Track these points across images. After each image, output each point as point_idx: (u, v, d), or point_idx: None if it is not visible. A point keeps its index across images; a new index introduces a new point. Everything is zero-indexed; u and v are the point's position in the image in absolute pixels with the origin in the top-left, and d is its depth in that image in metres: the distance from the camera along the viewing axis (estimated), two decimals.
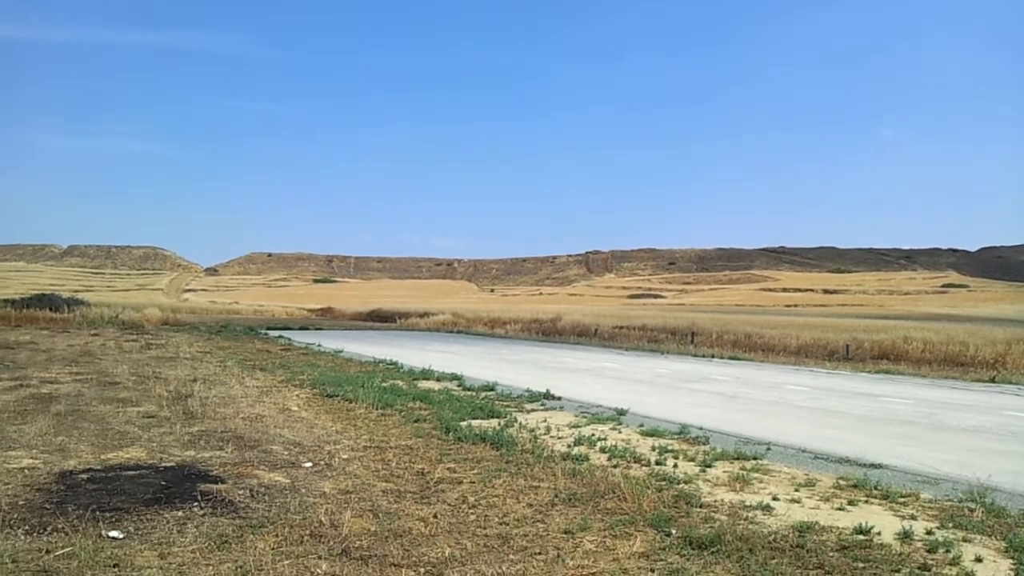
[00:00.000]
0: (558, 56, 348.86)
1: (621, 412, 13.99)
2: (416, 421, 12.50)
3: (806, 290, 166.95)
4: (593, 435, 11.41)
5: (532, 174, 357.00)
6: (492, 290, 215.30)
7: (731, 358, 30.50)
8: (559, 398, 16.14)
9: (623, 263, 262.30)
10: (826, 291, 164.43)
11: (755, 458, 10.02)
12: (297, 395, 15.93)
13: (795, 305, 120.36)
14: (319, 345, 32.79)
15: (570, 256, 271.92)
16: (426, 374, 20.70)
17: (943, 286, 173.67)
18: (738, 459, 10.00)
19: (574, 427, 12.37)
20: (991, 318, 69.63)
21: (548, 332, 47.82)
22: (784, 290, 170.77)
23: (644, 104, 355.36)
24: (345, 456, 9.75)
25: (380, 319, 70.20)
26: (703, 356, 31.53)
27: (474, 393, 16.68)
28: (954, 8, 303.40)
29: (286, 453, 9.82)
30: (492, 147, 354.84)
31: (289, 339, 36.98)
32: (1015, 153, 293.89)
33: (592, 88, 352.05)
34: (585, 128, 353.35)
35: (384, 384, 17.70)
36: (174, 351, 27.39)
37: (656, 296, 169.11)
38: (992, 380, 22.83)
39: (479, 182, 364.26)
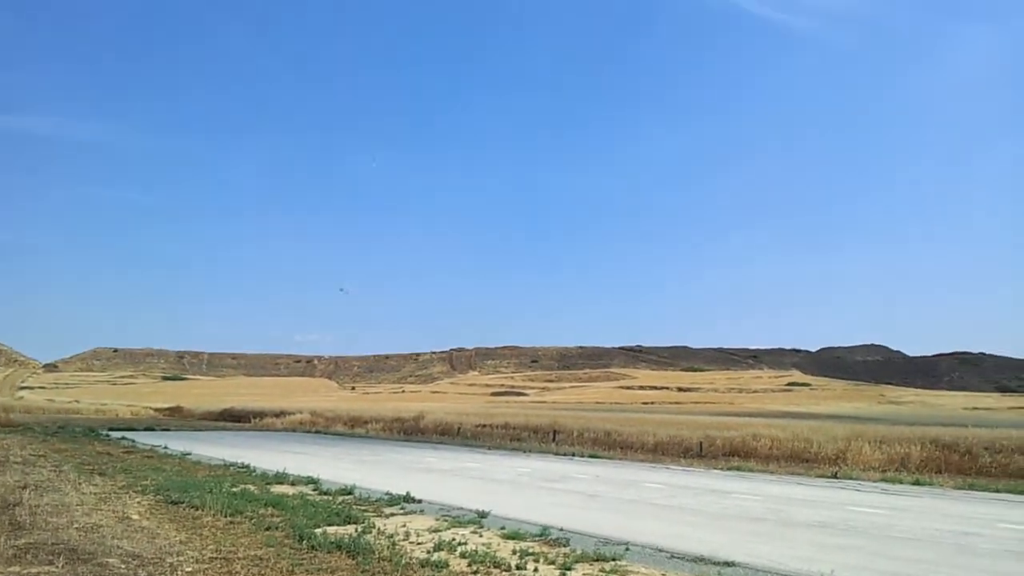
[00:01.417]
0: (416, 152, 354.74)
1: (483, 514, 13.79)
2: (268, 529, 11.87)
3: (662, 388, 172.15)
4: (454, 539, 11.16)
5: (397, 270, 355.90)
6: (353, 388, 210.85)
7: (591, 456, 30.84)
8: (420, 501, 15.77)
9: (487, 360, 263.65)
10: (680, 389, 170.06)
11: (614, 559, 10.04)
12: (139, 502, 14.88)
13: (651, 403, 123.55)
14: (165, 447, 30.98)
15: (434, 353, 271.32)
16: (280, 478, 19.85)
17: (788, 384, 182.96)
18: (598, 560, 9.99)
19: (434, 531, 12.08)
20: (832, 415, 73.71)
21: (410, 431, 47.08)
22: (641, 388, 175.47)
23: (508, 203, 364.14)
24: (189, 569, 9.12)
25: (233, 419, 67.42)
26: (565, 454, 31.74)
27: (331, 497, 16.07)
28: (798, 127, 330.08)
29: (124, 567, 9.08)
30: (357, 240, 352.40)
31: (133, 441, 34.78)
32: (853, 261, 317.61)
33: (455, 186, 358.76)
34: (449, 225, 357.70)
35: (234, 489, 16.82)
36: (3, 455, 25.17)
37: (519, 394, 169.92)
38: (834, 476, 24.00)
39: (343, 276, 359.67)
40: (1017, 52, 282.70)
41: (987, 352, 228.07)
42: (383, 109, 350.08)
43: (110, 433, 40.85)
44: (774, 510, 15.65)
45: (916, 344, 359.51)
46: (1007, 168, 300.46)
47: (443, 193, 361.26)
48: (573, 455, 31.40)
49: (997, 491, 20.48)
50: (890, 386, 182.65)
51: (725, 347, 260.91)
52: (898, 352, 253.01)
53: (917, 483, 22.14)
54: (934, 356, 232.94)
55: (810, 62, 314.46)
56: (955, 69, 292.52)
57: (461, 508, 14.78)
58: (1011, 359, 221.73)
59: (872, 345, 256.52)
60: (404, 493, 16.28)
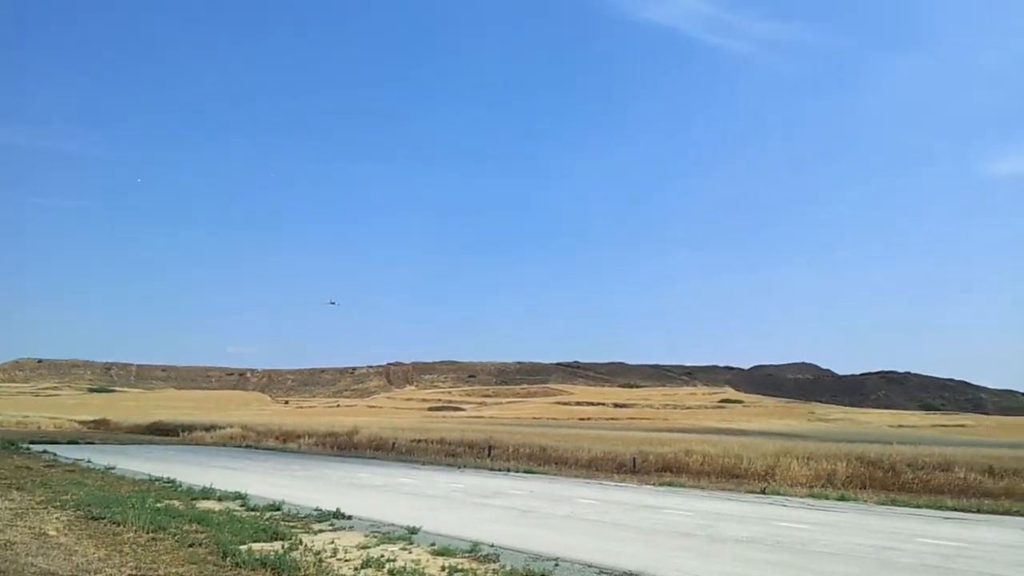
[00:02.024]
0: (355, 164, 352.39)
1: (413, 531, 13.64)
2: (191, 546, 11.56)
3: (598, 404, 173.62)
4: (382, 556, 11.01)
5: (334, 282, 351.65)
6: (287, 402, 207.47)
7: (526, 471, 30.83)
8: (350, 517, 15.53)
9: (425, 375, 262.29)
10: (616, 405, 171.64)
11: (543, 575, 10.02)
12: (58, 517, 14.36)
13: (588, 418, 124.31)
14: (88, 461, 29.97)
15: (371, 367, 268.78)
16: (207, 493, 19.38)
17: (721, 401, 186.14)
18: None
19: (363, 548, 11.90)
20: (762, 432, 75.01)
21: (344, 446, 46.45)
22: (578, 403, 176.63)
23: (448, 218, 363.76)
24: None
25: (162, 432, 65.70)
26: (500, 470, 31.66)
27: (258, 513, 15.74)
28: (735, 149, 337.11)
29: None
30: (293, 250, 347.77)
31: (55, 454, 33.57)
32: (786, 281, 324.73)
33: (396, 199, 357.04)
34: (391, 238, 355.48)
35: (158, 505, 16.34)
36: None
37: (456, 408, 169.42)
38: (763, 491, 24.40)
39: (277, 287, 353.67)
40: (938, 81, 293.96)
41: (912, 371, 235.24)
42: (320, 127, 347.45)
43: (31, 446, 39.33)
44: (704, 526, 15.83)
45: (845, 363, 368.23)
46: (933, 190, 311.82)
47: (383, 207, 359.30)
48: (508, 471, 31.35)
49: (918, 506, 21.06)
50: (819, 404, 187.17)
51: (661, 364, 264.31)
52: (828, 371, 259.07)
53: (842, 498, 22.62)
54: (862, 375, 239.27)
55: (747, 86, 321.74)
56: (883, 95, 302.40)
57: (392, 524, 14.60)
58: (935, 378, 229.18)
59: (803, 363, 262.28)
60: (334, 509, 16.02)
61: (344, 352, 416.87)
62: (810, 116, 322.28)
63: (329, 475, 28.09)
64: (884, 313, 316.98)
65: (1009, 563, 12.06)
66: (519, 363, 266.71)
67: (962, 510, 20.32)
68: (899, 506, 21.17)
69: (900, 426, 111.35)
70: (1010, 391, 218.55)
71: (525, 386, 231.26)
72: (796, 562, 11.83)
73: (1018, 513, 19.79)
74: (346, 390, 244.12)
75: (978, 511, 20.12)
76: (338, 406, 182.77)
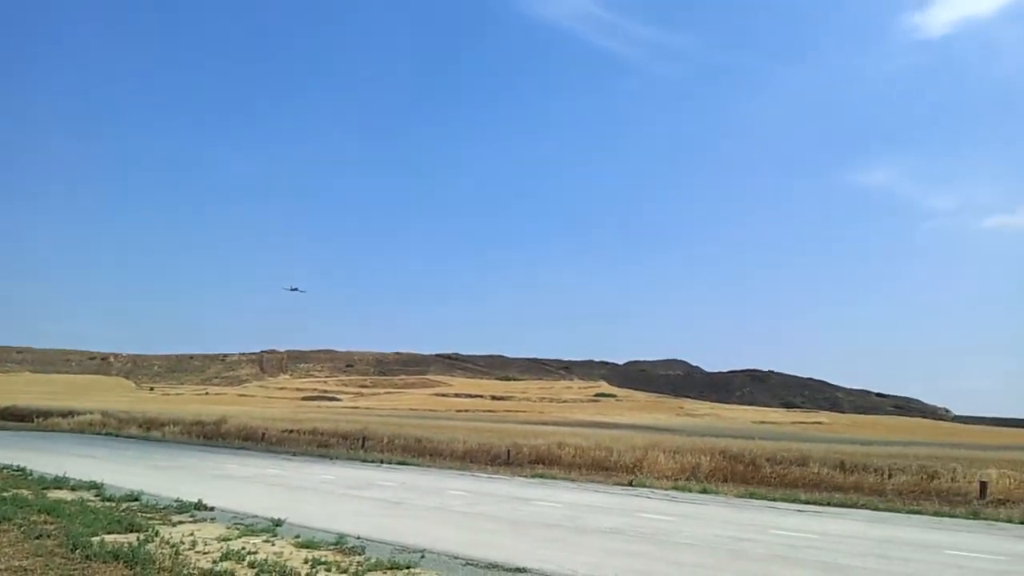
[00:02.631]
0: (239, 146, 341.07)
1: (278, 523, 13.33)
2: (38, 537, 10.96)
3: (476, 396, 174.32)
4: (243, 548, 10.73)
5: (206, 266, 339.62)
6: (152, 388, 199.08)
7: (400, 463, 30.66)
8: (212, 508, 15.05)
9: (300, 364, 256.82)
10: (494, 397, 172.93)
11: (408, 567, 10.02)
12: None
13: (466, 410, 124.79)
14: None
15: (243, 355, 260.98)
16: (60, 482, 18.44)
17: (596, 395, 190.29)
18: (392, 568, 9.93)
19: (224, 540, 11.56)
20: (633, 425, 77.22)
21: (211, 436, 44.94)
22: (456, 395, 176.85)
23: (325, 207, 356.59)
24: None
25: (15, 418, 62.09)
26: (373, 461, 31.38)
27: (114, 504, 15.05)
28: (616, 149, 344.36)
29: None
30: (162, 231, 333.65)
31: None
32: (659, 278, 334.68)
33: (268, 179, 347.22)
34: (265, 221, 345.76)
35: (4, 494, 15.43)
36: None
37: (332, 399, 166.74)
38: (630, 483, 25.11)
39: (143, 271, 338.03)
40: (814, 91, 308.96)
41: (775, 371, 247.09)
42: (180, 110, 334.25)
43: None
44: (571, 517, 16.16)
45: (714, 361, 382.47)
46: (802, 197, 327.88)
47: (262, 190, 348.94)
48: (381, 462, 31.11)
49: (774, 499, 22.10)
50: (688, 399, 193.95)
51: (539, 357, 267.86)
52: (697, 368, 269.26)
53: (704, 491, 23.49)
54: (729, 373, 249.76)
55: (634, 88, 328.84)
56: (762, 103, 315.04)
57: (256, 516, 14.25)
58: (796, 377, 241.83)
59: (675, 360, 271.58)
60: (196, 500, 15.48)
61: (216, 339, 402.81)
62: (689, 120, 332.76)
63: (194, 465, 27.17)
64: (751, 314, 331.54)
65: (849, 553, 12.82)
66: (398, 354, 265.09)
67: (814, 503, 21.41)
68: (757, 499, 22.14)
69: (762, 422, 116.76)
70: (865, 391, 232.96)
71: (404, 377, 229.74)
72: (656, 553, 12.23)
73: (863, 506, 21.01)
74: (216, 377, 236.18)
75: (828, 504, 21.24)
76: (207, 394, 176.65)
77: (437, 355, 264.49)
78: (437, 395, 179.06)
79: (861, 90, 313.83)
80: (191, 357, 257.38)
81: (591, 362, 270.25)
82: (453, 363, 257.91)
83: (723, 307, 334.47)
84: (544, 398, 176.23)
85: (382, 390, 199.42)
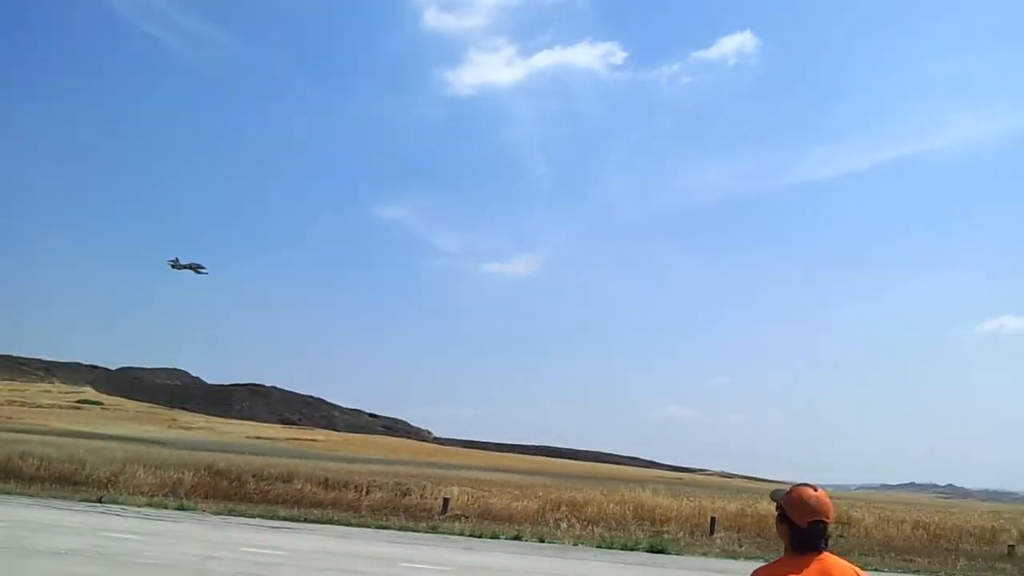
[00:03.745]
0: None
1: None
2: None
3: None
4: None
5: None
6: None
7: None
8: None
9: None
10: None
11: None
12: None
13: None
14: None
15: None
16: None
17: (80, 402, 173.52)
18: None
19: None
20: (119, 436, 71.94)
21: None
22: None
23: None
24: None
25: None
26: None
27: None
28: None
29: None
30: None
31: None
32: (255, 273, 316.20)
33: None
34: None
35: None
36: None
37: None
38: (100, 500, 23.12)
39: None
40: (359, 127, 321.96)
41: (277, 386, 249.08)
42: None
43: None
44: (17, 537, 14.31)
45: (215, 373, 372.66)
46: (336, 224, 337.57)
47: None
48: None
49: (253, 516, 22.00)
50: (185, 411, 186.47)
51: (15, 355, 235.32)
52: (197, 378, 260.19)
53: (182, 508, 22.57)
54: (230, 385, 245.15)
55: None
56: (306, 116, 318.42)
57: None
58: (296, 394, 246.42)
59: (174, 369, 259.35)
60: None
61: None
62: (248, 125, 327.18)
63: None
64: (256, 328, 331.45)
65: (313, 568, 13.34)
66: None
67: (292, 519, 21.81)
68: (236, 516, 21.89)
69: (258, 438, 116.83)
70: (358, 410, 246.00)
71: None
72: (112, 574, 11.41)
73: (338, 522, 21.99)
74: None
75: (305, 520, 21.81)
76: None
77: None
78: None
79: (392, 130, 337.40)
80: None
81: (78, 365, 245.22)
82: None
83: (226, 317, 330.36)
84: (16, 402, 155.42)
85: None
